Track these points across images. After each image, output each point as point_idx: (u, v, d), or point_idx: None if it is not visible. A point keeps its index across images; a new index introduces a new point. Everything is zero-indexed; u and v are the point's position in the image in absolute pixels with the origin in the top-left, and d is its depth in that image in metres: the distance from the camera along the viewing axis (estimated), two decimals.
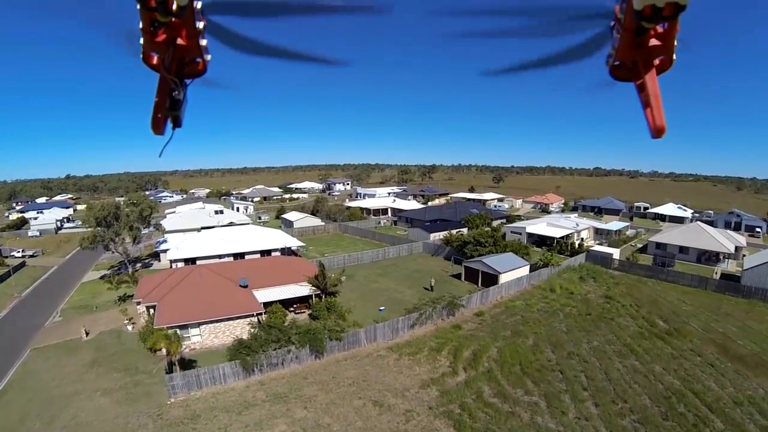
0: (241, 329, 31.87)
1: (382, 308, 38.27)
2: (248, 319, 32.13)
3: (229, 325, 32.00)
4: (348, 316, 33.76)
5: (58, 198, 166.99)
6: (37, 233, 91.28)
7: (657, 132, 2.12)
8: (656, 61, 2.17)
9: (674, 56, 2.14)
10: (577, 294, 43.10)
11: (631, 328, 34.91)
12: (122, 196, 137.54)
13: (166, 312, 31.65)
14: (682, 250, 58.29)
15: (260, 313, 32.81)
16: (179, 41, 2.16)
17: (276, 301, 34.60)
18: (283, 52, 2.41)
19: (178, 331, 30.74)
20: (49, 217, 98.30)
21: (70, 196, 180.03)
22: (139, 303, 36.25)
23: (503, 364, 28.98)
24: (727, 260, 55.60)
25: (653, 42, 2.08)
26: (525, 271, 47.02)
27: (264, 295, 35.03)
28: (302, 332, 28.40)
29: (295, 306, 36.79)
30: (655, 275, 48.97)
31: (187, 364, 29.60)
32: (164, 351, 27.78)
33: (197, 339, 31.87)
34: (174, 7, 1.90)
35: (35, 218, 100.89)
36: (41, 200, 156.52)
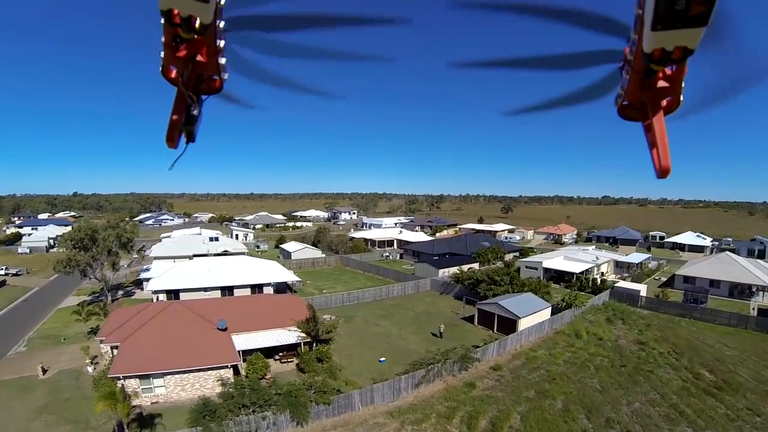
0: (213, 382, 26.81)
1: (382, 359, 32.99)
2: (222, 371, 27.04)
3: (199, 377, 26.88)
4: (340, 373, 28.51)
5: (60, 215, 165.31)
6: (27, 250, 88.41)
7: (662, 172, 2.14)
8: (664, 102, 2.18)
9: (681, 98, 2.15)
10: (607, 340, 38.04)
11: (675, 382, 30.15)
12: (126, 217, 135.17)
13: (126, 357, 26.81)
14: (713, 283, 54.09)
15: (236, 365, 27.74)
16: (199, 58, 2.17)
17: (258, 349, 29.54)
18: (292, 84, 2.50)
19: (137, 382, 25.87)
20: (42, 235, 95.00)
21: (72, 213, 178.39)
22: (102, 342, 31.59)
23: None
24: (761, 293, 51.62)
25: (661, 83, 2.11)
26: (546, 314, 41.92)
27: (244, 341, 30.06)
28: (283, 393, 23.23)
29: (281, 354, 31.59)
30: (688, 313, 45.02)
31: (148, 419, 24.87)
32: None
33: (161, 391, 26.79)
34: (197, 24, 1.92)
35: (29, 234, 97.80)
36: (43, 216, 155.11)
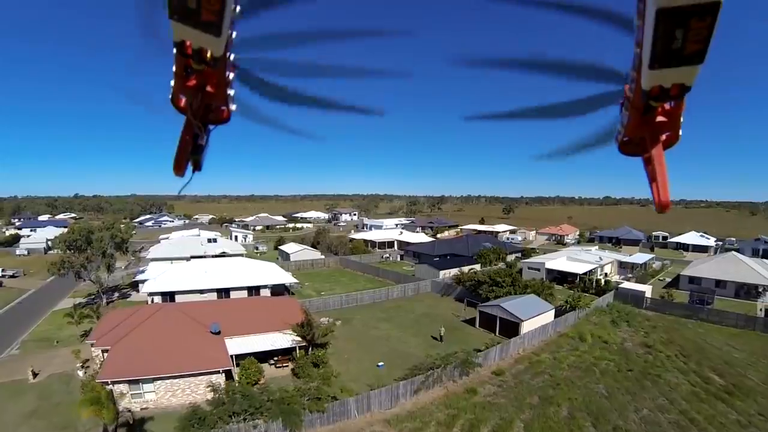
0: (204, 387, 25.92)
1: (380, 363, 32.03)
2: (214, 376, 26.18)
3: (190, 382, 26.03)
4: (335, 379, 27.60)
5: (60, 216, 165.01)
6: (25, 252, 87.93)
7: (662, 207, 2.17)
8: (663, 137, 2.22)
9: (680, 132, 2.18)
10: (612, 343, 37.11)
11: (683, 386, 29.20)
12: (125, 218, 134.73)
13: (115, 362, 25.99)
14: (719, 283, 53.09)
15: (228, 370, 26.86)
16: (208, 88, 2.21)
17: (252, 354, 28.65)
18: (314, 100, 2.46)
19: (127, 387, 25.05)
20: (40, 236, 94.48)
21: (73, 215, 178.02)
22: (93, 345, 30.82)
23: None
24: None
25: (660, 119, 2.15)
26: (550, 316, 40.95)
27: (238, 345, 29.16)
28: (275, 400, 22.33)
29: (276, 358, 30.69)
30: (694, 315, 44.17)
31: (137, 426, 24.02)
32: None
33: (151, 397, 25.94)
34: (208, 56, 1.96)
35: (28, 236, 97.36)
36: (44, 218, 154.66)
